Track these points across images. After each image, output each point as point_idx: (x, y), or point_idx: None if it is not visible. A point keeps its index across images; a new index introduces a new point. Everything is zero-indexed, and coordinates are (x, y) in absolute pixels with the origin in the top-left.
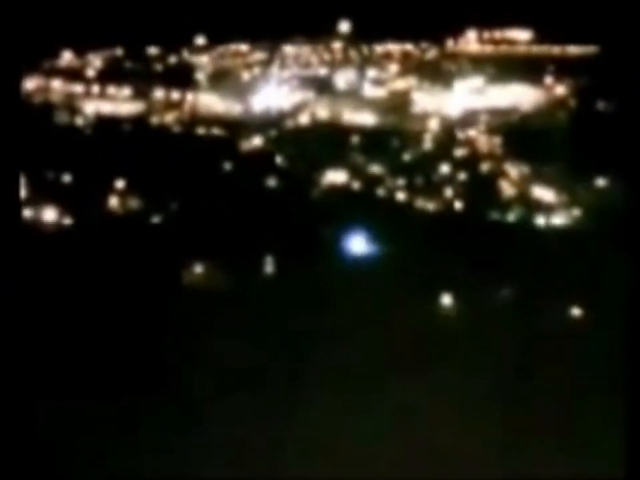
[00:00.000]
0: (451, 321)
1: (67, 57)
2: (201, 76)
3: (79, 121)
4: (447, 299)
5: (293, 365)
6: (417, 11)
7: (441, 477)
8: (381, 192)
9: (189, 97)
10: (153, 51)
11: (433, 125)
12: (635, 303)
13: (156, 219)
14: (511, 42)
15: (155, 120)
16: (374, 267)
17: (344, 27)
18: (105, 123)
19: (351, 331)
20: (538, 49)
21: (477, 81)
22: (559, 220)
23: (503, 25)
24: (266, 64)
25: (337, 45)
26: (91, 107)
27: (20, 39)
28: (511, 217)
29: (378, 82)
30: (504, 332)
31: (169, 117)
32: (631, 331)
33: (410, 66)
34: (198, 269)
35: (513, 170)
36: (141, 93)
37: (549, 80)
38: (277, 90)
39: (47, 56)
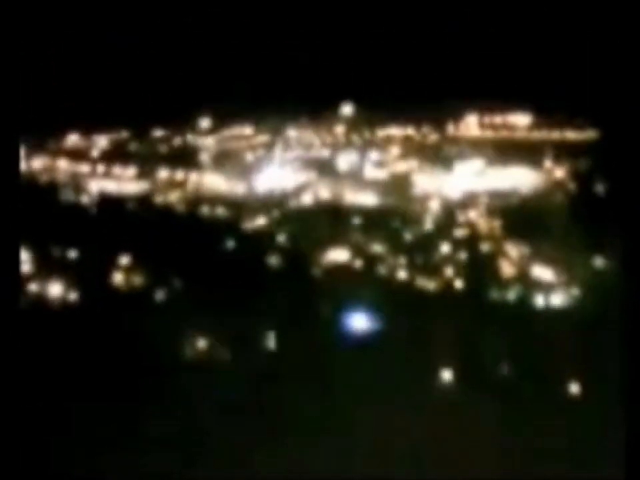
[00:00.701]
0: (450, 398)
1: (72, 138)
2: (205, 157)
3: (84, 199)
4: (447, 375)
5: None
6: (419, 95)
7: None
8: (382, 270)
9: (193, 177)
10: (157, 133)
11: (434, 206)
12: (632, 304)
13: (160, 295)
14: (511, 127)
15: (159, 199)
16: (373, 344)
17: (346, 110)
18: (109, 202)
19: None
20: (537, 134)
21: (477, 164)
22: (558, 299)
23: (503, 111)
24: (269, 146)
25: (340, 129)
26: (96, 186)
27: (22, 114)
28: (511, 295)
29: (379, 164)
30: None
31: (173, 196)
32: (630, 331)
33: (411, 149)
34: (200, 343)
35: (513, 250)
36: (145, 173)
37: (548, 163)
38: (279, 171)
39: (53, 136)
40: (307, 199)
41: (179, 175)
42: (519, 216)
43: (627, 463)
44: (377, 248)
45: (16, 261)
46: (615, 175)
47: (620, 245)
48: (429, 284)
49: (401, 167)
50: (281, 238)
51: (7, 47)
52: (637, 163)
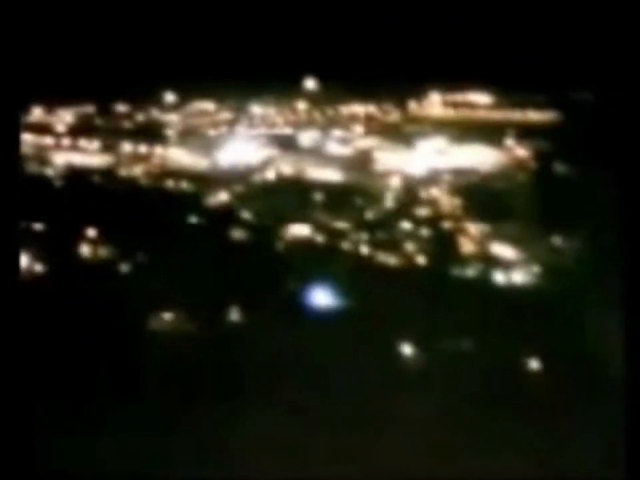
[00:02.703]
0: (409, 370)
1: (36, 112)
2: (169, 132)
3: (49, 172)
4: (407, 349)
5: None
6: (382, 73)
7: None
8: (344, 246)
9: (158, 151)
10: (122, 108)
11: (395, 182)
12: (631, 301)
13: (125, 268)
14: (473, 105)
15: (123, 172)
16: (335, 319)
17: (309, 84)
18: (74, 174)
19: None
20: (499, 113)
21: (439, 142)
22: (518, 277)
23: (464, 89)
24: (232, 122)
25: (302, 105)
26: (61, 159)
27: None
28: (470, 272)
29: (342, 141)
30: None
31: (137, 170)
32: (629, 330)
33: (374, 127)
34: (165, 316)
35: (473, 228)
36: (109, 147)
37: (509, 142)
38: (243, 147)
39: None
40: (270, 175)
41: (143, 149)
42: (480, 194)
43: (627, 463)
44: (339, 224)
45: (15, 250)
46: (576, 154)
47: (584, 224)
48: (390, 259)
49: (364, 143)
50: (245, 213)
51: None
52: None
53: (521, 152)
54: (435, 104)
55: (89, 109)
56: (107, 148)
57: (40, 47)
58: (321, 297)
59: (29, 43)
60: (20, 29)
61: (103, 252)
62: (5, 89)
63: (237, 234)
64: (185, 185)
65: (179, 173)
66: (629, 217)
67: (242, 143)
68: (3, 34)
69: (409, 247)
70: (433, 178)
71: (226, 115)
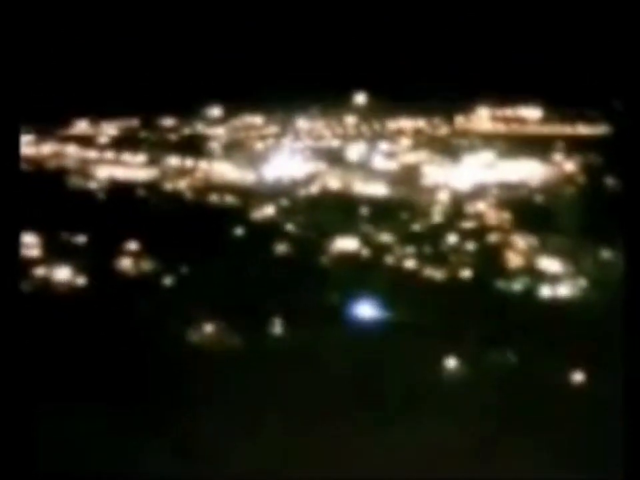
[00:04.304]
0: (455, 384)
1: (81, 125)
2: (214, 146)
3: (93, 185)
4: (452, 363)
5: None
6: (431, 88)
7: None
8: (389, 260)
9: (203, 165)
10: (167, 122)
11: (443, 197)
12: (632, 303)
13: (167, 281)
14: (522, 120)
15: (168, 186)
16: (379, 332)
17: (358, 99)
18: (118, 188)
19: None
20: (548, 127)
21: (487, 156)
22: (565, 290)
23: (514, 104)
24: (279, 136)
25: (350, 119)
26: (105, 172)
27: (27, 101)
28: (517, 286)
29: (389, 155)
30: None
31: (182, 184)
32: (630, 331)
33: (421, 141)
34: (207, 328)
35: (521, 241)
36: (154, 160)
37: (558, 157)
38: (289, 160)
39: (61, 123)
40: (315, 189)
41: (188, 162)
42: (527, 208)
43: (626, 463)
44: (385, 237)
45: (16, 249)
46: (626, 169)
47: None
48: (436, 274)
49: (411, 158)
50: (290, 226)
51: (12, 31)
52: None
53: (569, 166)
54: (483, 118)
55: (134, 122)
56: (152, 162)
57: (85, 61)
58: (366, 310)
59: (73, 57)
60: (63, 42)
61: (146, 265)
62: (3, 96)
63: (281, 248)
64: (229, 198)
65: (223, 187)
66: None
67: (288, 157)
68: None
69: (455, 260)
70: (480, 192)
71: (273, 128)
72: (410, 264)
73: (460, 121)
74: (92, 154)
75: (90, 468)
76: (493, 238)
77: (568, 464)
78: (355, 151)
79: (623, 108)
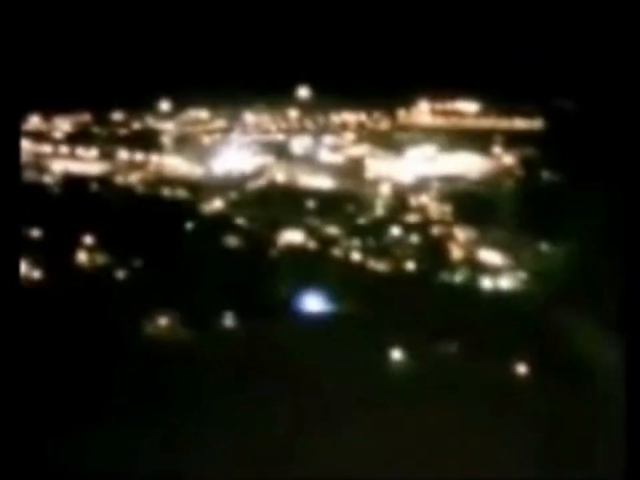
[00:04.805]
0: (401, 374)
1: (33, 120)
2: (165, 140)
3: (47, 180)
4: (397, 354)
5: None
6: (372, 81)
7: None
8: (336, 252)
9: (154, 159)
10: (118, 116)
11: (385, 190)
12: (631, 304)
13: (120, 274)
14: (461, 114)
15: (119, 180)
16: (326, 323)
17: (302, 93)
18: (72, 182)
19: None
20: (486, 121)
21: (428, 150)
22: (505, 281)
23: (452, 97)
24: (226, 130)
25: (294, 113)
26: (59, 167)
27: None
28: (459, 278)
29: (334, 148)
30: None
31: (133, 177)
32: (630, 331)
33: (364, 134)
34: (161, 321)
35: (462, 234)
36: (106, 155)
37: (496, 150)
38: (237, 154)
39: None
40: (262, 182)
41: (139, 156)
42: (468, 201)
43: (627, 463)
44: (332, 230)
45: (16, 255)
46: (562, 162)
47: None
48: (380, 266)
49: (355, 151)
50: (239, 220)
51: None
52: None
53: (508, 159)
54: (423, 112)
55: (86, 117)
56: (104, 156)
57: (35, 56)
58: (313, 302)
59: (25, 52)
60: (17, 37)
61: (100, 258)
62: (4, 98)
63: (232, 240)
64: (180, 192)
65: (174, 181)
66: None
67: (236, 151)
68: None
69: (399, 252)
70: (422, 185)
71: (220, 122)
72: (356, 256)
73: (401, 114)
74: (46, 148)
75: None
76: (435, 230)
77: (515, 456)
78: (300, 145)
79: (573, 104)
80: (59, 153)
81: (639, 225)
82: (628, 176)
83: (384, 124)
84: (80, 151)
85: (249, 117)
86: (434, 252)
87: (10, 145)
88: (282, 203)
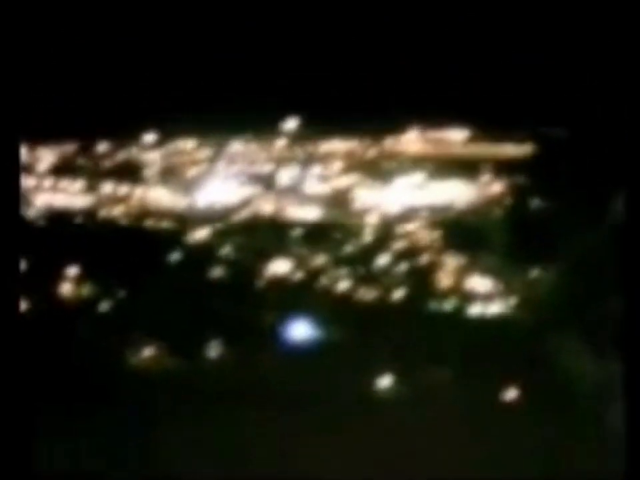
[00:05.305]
0: (389, 401)
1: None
2: (149, 171)
3: (32, 213)
4: (385, 381)
5: None
6: (360, 110)
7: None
8: (323, 282)
9: (138, 191)
10: (102, 147)
11: (374, 219)
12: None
13: (104, 306)
14: (448, 142)
15: (102, 213)
16: (314, 352)
17: (290, 124)
18: (56, 215)
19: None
20: (474, 148)
21: (416, 178)
22: (495, 308)
23: (441, 125)
24: (212, 160)
25: (281, 143)
26: (43, 200)
27: None
28: (448, 305)
29: (321, 178)
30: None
31: (116, 210)
32: (629, 331)
33: (353, 163)
34: (146, 352)
35: (451, 261)
36: (90, 187)
37: (484, 178)
38: (222, 185)
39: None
40: (248, 213)
41: (124, 189)
42: (456, 229)
43: (627, 463)
44: (319, 260)
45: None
46: (551, 190)
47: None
48: (368, 294)
49: (342, 181)
50: (224, 250)
51: None
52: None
53: (496, 187)
54: (411, 140)
55: (70, 148)
56: (89, 188)
57: (20, 86)
58: (300, 332)
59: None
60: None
61: (85, 290)
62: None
63: (217, 271)
64: (164, 224)
65: (158, 213)
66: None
67: (221, 181)
68: None
69: (387, 281)
70: (410, 214)
71: (205, 152)
72: (343, 285)
73: (389, 142)
74: (31, 181)
75: None
76: (423, 259)
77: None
78: (287, 175)
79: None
80: (44, 186)
81: (635, 246)
82: (623, 200)
83: (372, 152)
84: (65, 183)
85: (236, 147)
86: (423, 280)
87: (10, 173)
88: (268, 233)
